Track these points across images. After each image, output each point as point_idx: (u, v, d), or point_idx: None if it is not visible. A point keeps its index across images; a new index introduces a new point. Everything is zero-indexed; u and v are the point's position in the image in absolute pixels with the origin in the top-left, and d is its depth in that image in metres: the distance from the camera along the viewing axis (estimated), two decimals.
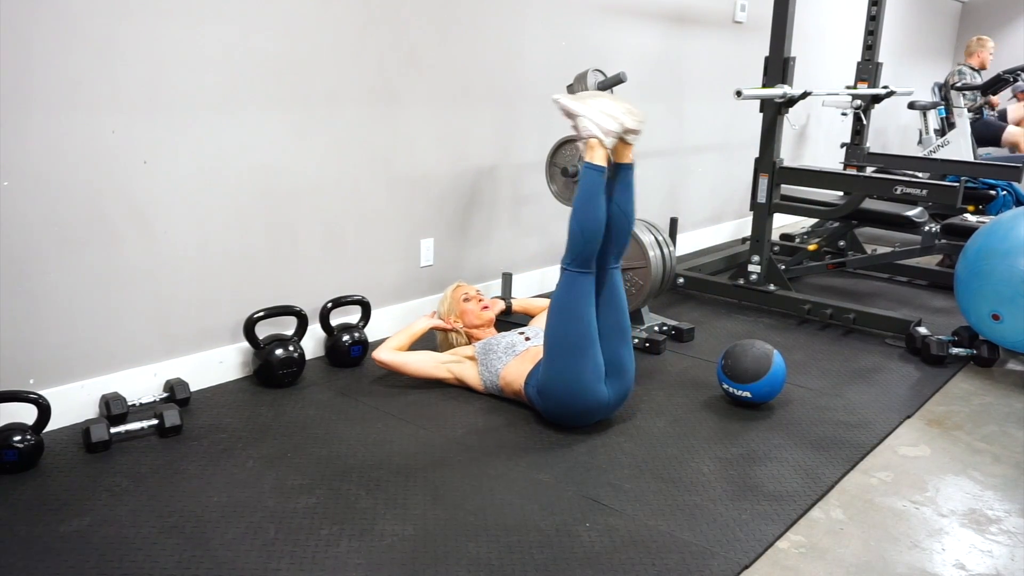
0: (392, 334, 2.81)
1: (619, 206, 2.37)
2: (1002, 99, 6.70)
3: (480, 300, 2.86)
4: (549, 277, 3.90)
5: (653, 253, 3.15)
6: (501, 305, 2.94)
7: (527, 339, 2.64)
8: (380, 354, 2.66)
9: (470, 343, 2.79)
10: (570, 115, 2.36)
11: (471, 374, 2.62)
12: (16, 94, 2.08)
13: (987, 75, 6.59)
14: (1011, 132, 6.37)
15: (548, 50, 3.62)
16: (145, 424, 2.26)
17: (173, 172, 2.44)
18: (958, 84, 6.12)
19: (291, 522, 1.88)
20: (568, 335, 2.30)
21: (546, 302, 3.08)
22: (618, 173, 2.38)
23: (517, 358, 2.54)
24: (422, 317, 2.88)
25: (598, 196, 2.30)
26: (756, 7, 4.89)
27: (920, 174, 4.62)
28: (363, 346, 2.87)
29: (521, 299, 3.18)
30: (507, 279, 3.44)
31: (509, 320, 3.16)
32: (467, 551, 1.79)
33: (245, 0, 2.51)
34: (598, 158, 2.30)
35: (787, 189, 4.12)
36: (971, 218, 4.19)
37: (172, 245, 2.48)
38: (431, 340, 2.90)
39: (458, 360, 2.67)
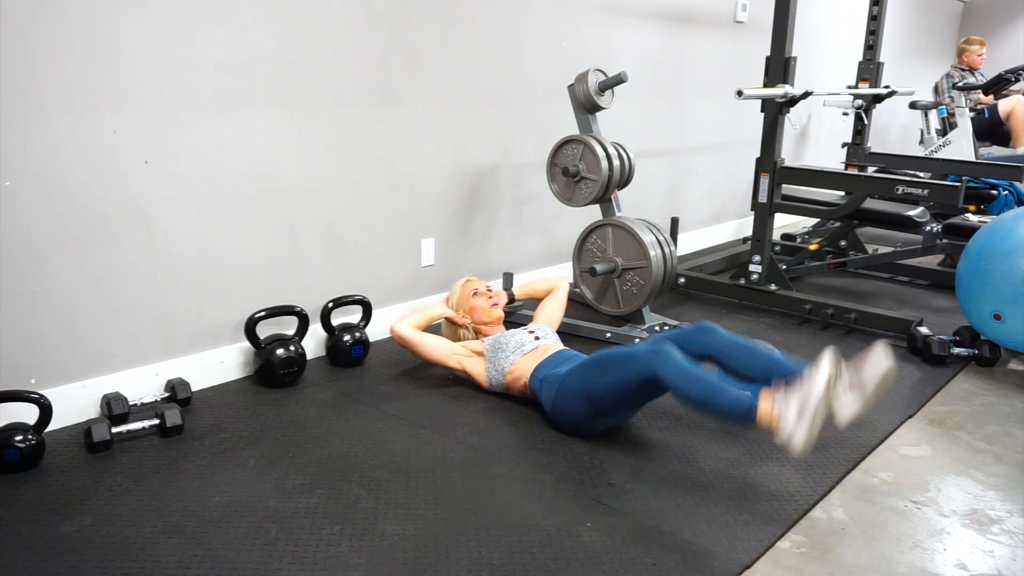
0: (409, 313, 2.81)
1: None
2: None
3: (490, 296, 2.85)
4: (550, 277, 3.90)
5: (654, 253, 3.14)
6: (505, 297, 2.94)
7: (536, 338, 2.64)
8: (400, 328, 2.67)
9: (478, 339, 2.80)
10: (802, 393, 1.85)
11: (478, 370, 2.63)
12: (17, 94, 2.08)
13: (977, 76, 6.60)
14: (1007, 103, 6.28)
15: (548, 50, 3.62)
16: (146, 424, 2.26)
17: (174, 172, 2.44)
18: (959, 83, 6.12)
19: (292, 522, 1.88)
20: (607, 398, 2.22)
21: (549, 281, 3.09)
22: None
23: (526, 356, 2.55)
24: (439, 303, 2.89)
25: (723, 417, 2.03)
26: (757, 7, 4.89)
27: (921, 174, 4.62)
28: (364, 346, 2.87)
29: (522, 285, 3.15)
30: (508, 279, 3.44)
31: (513, 321, 3.16)
32: (468, 551, 1.79)
33: (245, 0, 2.51)
34: (762, 421, 1.91)
35: (788, 189, 4.12)
36: (972, 218, 4.18)
37: (173, 245, 2.48)
38: (438, 330, 2.89)
39: (468, 354, 2.67)
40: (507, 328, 2.84)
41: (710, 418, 1.96)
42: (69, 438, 2.25)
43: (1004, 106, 6.23)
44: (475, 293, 2.84)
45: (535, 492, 2.05)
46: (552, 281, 3.12)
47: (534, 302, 3.14)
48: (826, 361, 1.79)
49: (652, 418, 2.50)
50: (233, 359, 2.71)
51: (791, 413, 1.75)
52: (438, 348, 2.67)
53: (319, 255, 2.91)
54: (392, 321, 2.74)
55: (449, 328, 2.88)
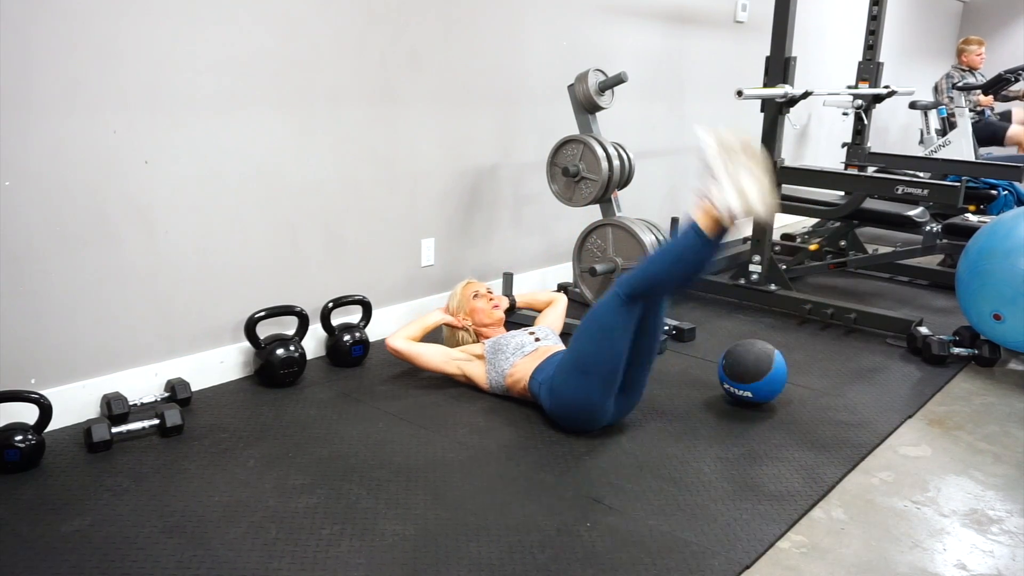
0: (404, 324, 2.82)
1: None
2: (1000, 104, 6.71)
3: (491, 298, 2.86)
4: (550, 277, 3.90)
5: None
6: (505, 302, 2.94)
7: (536, 339, 2.64)
8: (394, 342, 2.68)
9: (478, 341, 2.80)
10: (710, 172, 2.07)
11: (478, 372, 2.63)
12: (17, 94, 2.08)
13: (977, 75, 6.61)
14: (1015, 131, 6.36)
15: (548, 50, 3.62)
16: (146, 424, 2.26)
17: (174, 172, 2.44)
18: (959, 84, 6.12)
19: (292, 522, 1.88)
20: (597, 358, 2.24)
21: (549, 294, 3.13)
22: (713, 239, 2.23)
23: (526, 357, 2.55)
24: (435, 311, 2.88)
25: (687, 259, 2.16)
26: (757, 7, 4.89)
27: (921, 174, 4.62)
28: (364, 346, 2.87)
29: (524, 294, 3.18)
30: (508, 279, 3.44)
31: (512, 320, 3.16)
32: (468, 551, 1.79)
33: (246, 0, 2.51)
34: (706, 224, 2.07)
35: (788, 189, 4.12)
36: (972, 218, 4.19)
37: (173, 245, 2.48)
38: (437, 334, 2.90)
39: (468, 358, 2.67)
40: (508, 329, 2.84)
41: (690, 274, 2.13)
42: (69, 438, 2.25)
43: (1013, 135, 6.26)
44: (476, 295, 2.85)
45: (535, 492, 2.05)
46: (553, 294, 3.15)
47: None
48: (701, 133, 2.03)
49: (652, 418, 2.50)
50: (233, 359, 2.71)
51: (713, 192, 1.97)
52: (435, 356, 2.68)
53: (319, 255, 2.91)
54: (389, 332, 2.75)
55: (449, 332, 2.88)
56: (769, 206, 2.02)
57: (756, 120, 3.69)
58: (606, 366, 2.24)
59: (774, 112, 3.58)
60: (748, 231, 4.10)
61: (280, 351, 2.63)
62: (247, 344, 2.65)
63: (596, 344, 2.25)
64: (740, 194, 1.98)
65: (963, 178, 4.03)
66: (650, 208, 4.43)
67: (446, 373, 2.68)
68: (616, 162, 3.15)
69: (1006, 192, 4.84)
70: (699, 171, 2.10)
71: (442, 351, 2.69)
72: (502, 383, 2.56)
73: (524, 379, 2.50)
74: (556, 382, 2.34)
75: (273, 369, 2.62)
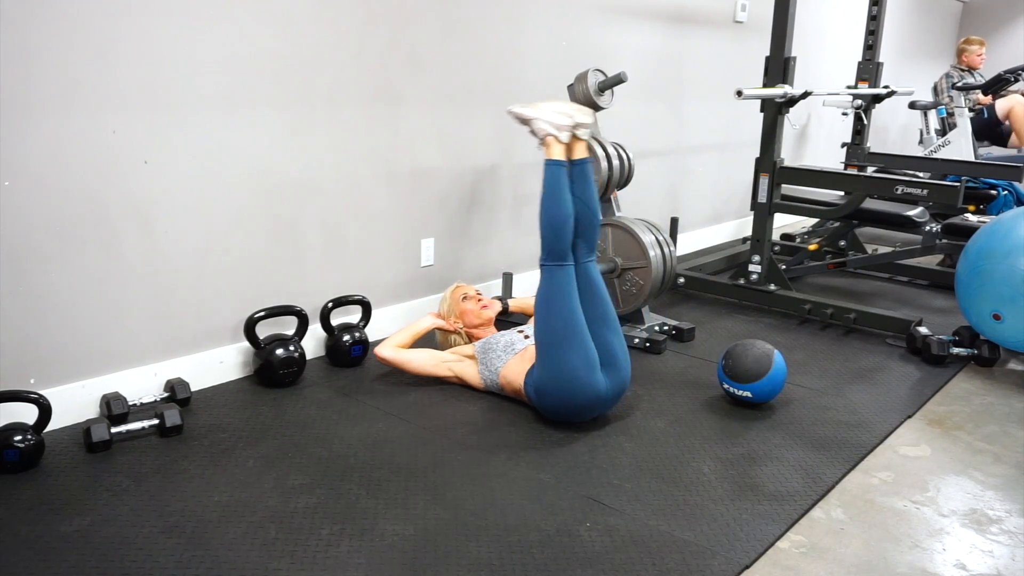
0: (395, 331, 2.83)
1: (581, 199, 2.49)
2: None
3: (479, 300, 2.88)
4: None
5: (653, 253, 3.14)
6: (498, 305, 2.95)
7: (526, 337, 2.65)
8: (382, 351, 2.69)
9: (470, 343, 2.80)
10: (524, 121, 2.53)
11: (471, 373, 2.64)
12: (17, 94, 2.08)
13: (976, 76, 6.61)
14: (1003, 103, 6.28)
15: (548, 50, 3.62)
16: (146, 424, 2.26)
17: (174, 172, 2.44)
18: (959, 83, 6.12)
19: (292, 522, 1.88)
20: (554, 328, 2.36)
21: None
22: (575, 168, 2.50)
23: (516, 356, 2.55)
24: (426, 316, 2.89)
25: (562, 190, 2.45)
26: (757, 7, 4.89)
27: (921, 174, 4.62)
28: (364, 346, 2.87)
29: (518, 298, 3.19)
30: (507, 279, 3.44)
31: (508, 320, 3.17)
32: (468, 551, 1.79)
33: (245, 0, 2.51)
34: (556, 153, 2.47)
35: (788, 189, 4.12)
36: (972, 218, 4.18)
37: (173, 245, 2.48)
38: (432, 339, 2.90)
39: (459, 359, 2.68)
40: (500, 329, 2.85)
41: (568, 201, 2.48)
42: (69, 438, 2.25)
43: (1002, 105, 6.24)
44: (465, 297, 2.87)
45: (535, 492, 2.05)
46: None
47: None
48: (514, 112, 2.55)
49: (652, 418, 2.50)
50: (233, 359, 2.71)
51: (540, 127, 2.46)
52: (425, 361, 2.69)
53: (319, 255, 2.91)
54: (389, 332, 2.75)
55: (442, 336, 2.89)
56: (588, 113, 2.46)
57: (756, 120, 3.68)
58: (567, 328, 2.34)
59: (774, 112, 3.58)
60: (748, 231, 4.10)
61: (280, 351, 2.63)
62: (247, 344, 2.65)
63: (548, 314, 2.38)
64: (559, 113, 2.45)
65: (963, 178, 4.03)
66: (650, 208, 4.43)
67: (437, 376, 2.69)
68: (616, 162, 3.15)
69: (1006, 192, 4.84)
70: (528, 137, 2.59)
71: (431, 355, 2.71)
72: (496, 381, 2.57)
73: (517, 382, 2.50)
74: (539, 377, 2.37)
75: (273, 369, 2.62)
